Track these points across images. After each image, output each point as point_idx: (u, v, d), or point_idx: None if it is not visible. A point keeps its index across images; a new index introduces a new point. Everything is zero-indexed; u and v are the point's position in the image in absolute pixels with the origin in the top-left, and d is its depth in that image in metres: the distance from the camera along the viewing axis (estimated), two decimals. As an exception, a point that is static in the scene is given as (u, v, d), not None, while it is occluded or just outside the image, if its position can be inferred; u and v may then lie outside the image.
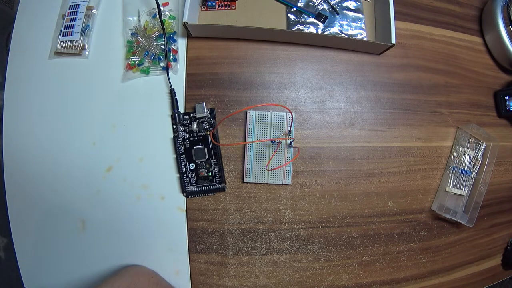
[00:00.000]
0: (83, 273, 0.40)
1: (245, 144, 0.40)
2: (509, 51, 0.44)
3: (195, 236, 0.40)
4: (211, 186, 0.40)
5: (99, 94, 0.41)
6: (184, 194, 0.40)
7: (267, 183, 0.40)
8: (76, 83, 0.41)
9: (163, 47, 0.40)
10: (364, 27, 0.44)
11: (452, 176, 0.43)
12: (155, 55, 0.40)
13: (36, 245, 0.40)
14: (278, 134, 0.40)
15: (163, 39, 0.40)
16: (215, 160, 0.40)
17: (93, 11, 0.42)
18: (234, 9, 0.42)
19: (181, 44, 0.41)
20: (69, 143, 0.40)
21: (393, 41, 0.39)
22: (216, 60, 0.41)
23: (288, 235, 0.41)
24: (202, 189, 0.40)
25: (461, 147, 0.44)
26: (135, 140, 0.40)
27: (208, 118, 0.40)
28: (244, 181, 0.40)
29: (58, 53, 0.41)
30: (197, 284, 0.40)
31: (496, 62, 0.48)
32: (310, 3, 0.43)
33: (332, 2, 0.43)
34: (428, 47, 0.45)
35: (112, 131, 0.40)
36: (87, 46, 0.41)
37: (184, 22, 0.37)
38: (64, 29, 0.41)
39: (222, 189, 0.40)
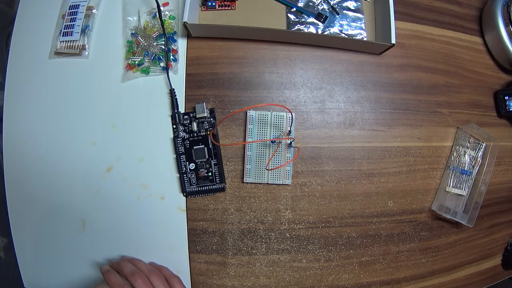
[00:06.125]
0: (83, 273, 0.40)
1: (245, 144, 0.40)
2: (509, 51, 0.44)
3: (195, 236, 0.40)
4: (211, 186, 0.40)
5: (99, 94, 0.41)
6: (184, 194, 0.40)
7: (267, 183, 0.40)
8: (76, 83, 0.41)
9: (163, 47, 0.40)
10: (364, 27, 0.44)
11: (452, 176, 0.43)
12: (155, 55, 0.40)
13: (36, 245, 0.40)
14: (278, 134, 0.40)
15: (163, 39, 0.40)
16: (215, 160, 0.40)
17: (93, 11, 0.42)
18: (234, 9, 0.42)
19: (181, 44, 0.41)
20: (69, 143, 0.40)
21: (393, 41, 0.39)
22: (216, 60, 0.41)
23: (288, 235, 0.41)
24: (202, 189, 0.40)
25: (461, 147, 0.44)
26: (135, 140, 0.40)
27: (208, 118, 0.40)
28: (244, 181, 0.40)
29: (58, 53, 0.41)
30: (197, 284, 0.40)
31: (496, 62, 0.48)
32: (310, 3, 0.43)
33: (332, 2, 0.43)
34: (428, 47, 0.45)
35: (112, 131, 0.40)
36: (87, 46, 0.41)
37: (184, 22, 0.37)
38: (64, 29, 0.41)
39: (222, 189, 0.40)
